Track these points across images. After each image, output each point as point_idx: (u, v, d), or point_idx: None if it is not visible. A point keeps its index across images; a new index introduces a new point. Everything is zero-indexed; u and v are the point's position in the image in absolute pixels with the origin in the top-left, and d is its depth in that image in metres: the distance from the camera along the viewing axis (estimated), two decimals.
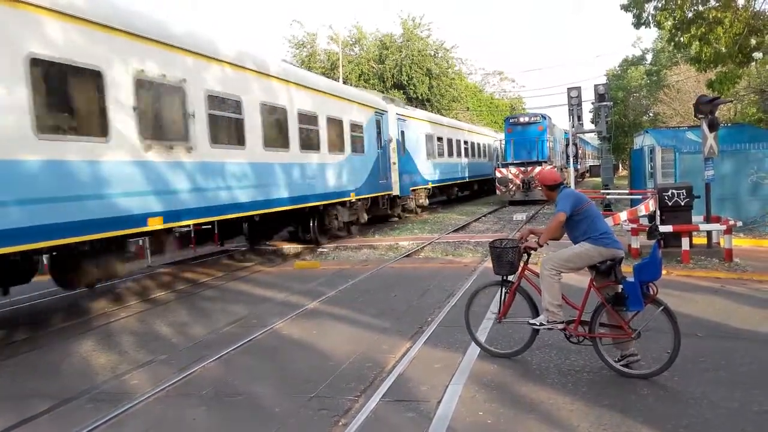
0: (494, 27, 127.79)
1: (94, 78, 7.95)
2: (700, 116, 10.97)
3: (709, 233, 11.28)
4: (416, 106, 29.33)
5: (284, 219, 14.12)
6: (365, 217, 18.12)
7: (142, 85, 8.78)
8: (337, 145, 15.66)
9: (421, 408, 4.74)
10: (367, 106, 18.21)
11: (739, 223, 12.13)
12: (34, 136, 7.00)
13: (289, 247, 15.21)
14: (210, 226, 11.02)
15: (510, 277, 5.81)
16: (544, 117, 29.73)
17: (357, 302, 8.72)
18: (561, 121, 44.31)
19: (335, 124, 15.62)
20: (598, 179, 32.14)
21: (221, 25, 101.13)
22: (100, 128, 8.04)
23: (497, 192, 28.94)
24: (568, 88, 18.96)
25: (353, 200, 16.68)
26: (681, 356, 5.03)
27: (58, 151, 7.36)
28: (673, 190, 10.91)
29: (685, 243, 10.47)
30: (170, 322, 8.14)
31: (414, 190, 22.94)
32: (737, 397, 4.66)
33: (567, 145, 21.38)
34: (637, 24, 14.78)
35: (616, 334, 5.27)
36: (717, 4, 13.65)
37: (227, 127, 10.99)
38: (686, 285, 8.69)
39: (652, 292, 5.07)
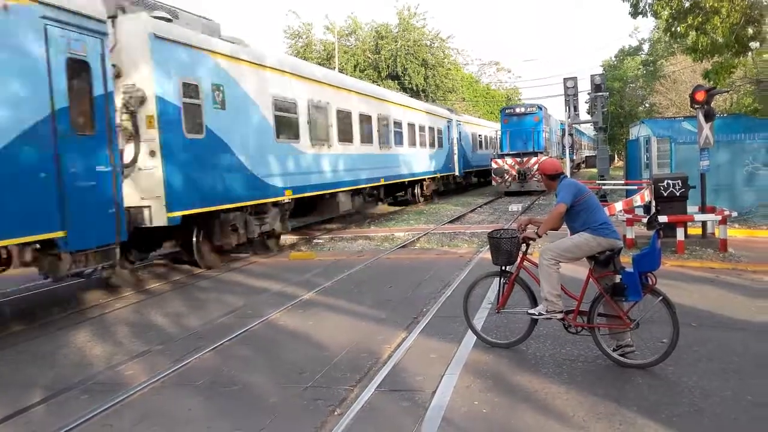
0: (490, 17, 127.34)
1: (294, 106, 13.78)
2: (695, 106, 10.96)
3: (704, 223, 11.32)
4: (411, 96, 29.83)
5: (396, 188, 22.90)
6: (441, 187, 27.81)
7: (310, 107, 14.50)
8: (430, 143, 25.44)
9: (416, 398, 4.75)
10: (443, 117, 28.26)
11: (734, 214, 12.17)
12: (274, 140, 12.87)
13: (285, 238, 15.19)
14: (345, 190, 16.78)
15: (508, 268, 5.81)
16: (540, 108, 29.70)
17: (352, 293, 8.73)
18: (557, 111, 44.30)
19: (431, 131, 25.80)
20: (594, 170, 32.20)
21: (217, 15, 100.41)
22: (295, 134, 13.90)
23: (493, 183, 28.96)
24: (564, 79, 19.00)
25: (437, 177, 26.53)
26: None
27: (285, 147, 13.47)
28: (669, 181, 10.92)
29: (680, 233, 10.50)
30: (166, 313, 8.14)
31: (467, 172, 32.44)
32: (730, 387, 4.68)
33: (563, 136, 21.40)
34: (634, 13, 14.77)
35: (614, 324, 5.28)
36: None
37: (346, 130, 16.73)
38: (681, 275, 8.72)
39: (650, 283, 5.08)
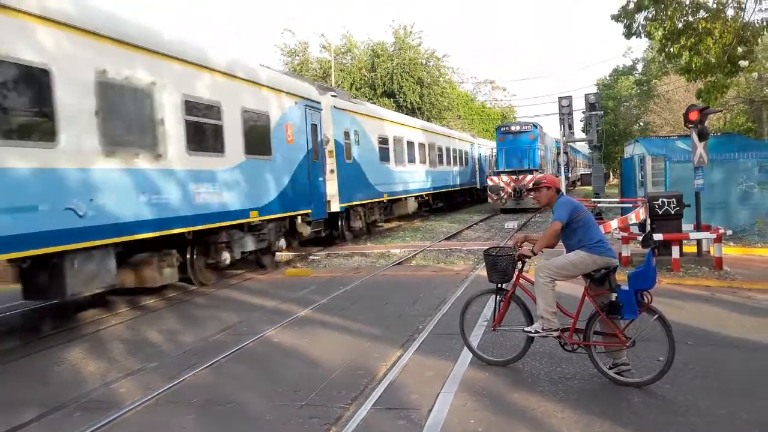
0: (486, 36, 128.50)
1: (387, 140, 20.89)
2: (689, 126, 11.04)
3: (699, 242, 11.35)
4: (407, 114, 30.37)
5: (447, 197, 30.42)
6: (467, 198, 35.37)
7: (395, 140, 21.47)
8: (460, 162, 32.92)
9: (412, 416, 4.73)
10: (467, 141, 35.28)
11: (729, 232, 12.20)
12: (378, 162, 19.26)
13: (280, 254, 15.17)
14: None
15: (504, 285, 5.82)
16: (535, 126, 29.87)
17: (348, 310, 8.71)
18: (552, 129, 44.49)
19: (461, 152, 33.10)
20: (589, 188, 32.29)
21: (212, 33, 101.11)
22: (388, 158, 21.03)
23: (489, 200, 29.03)
24: (559, 98, 19.09)
25: (460, 189, 32.54)
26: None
27: (384, 167, 20.59)
28: (664, 199, 10.97)
29: (675, 251, 10.53)
30: (160, 330, 8.10)
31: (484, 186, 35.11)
32: (726, 405, 4.68)
33: (558, 154, 21.49)
34: (628, 34, 14.87)
35: (610, 342, 5.28)
36: (707, 15, 13.77)
37: (411, 154, 24.01)
38: (676, 293, 8.73)
39: (646, 301, 5.08)
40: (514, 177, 27.78)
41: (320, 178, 15.08)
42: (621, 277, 5.41)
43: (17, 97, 7.03)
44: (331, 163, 16.08)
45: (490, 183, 28.45)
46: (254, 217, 11.85)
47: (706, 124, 11.14)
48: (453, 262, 13.07)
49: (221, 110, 10.90)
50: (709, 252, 11.24)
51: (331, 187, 15.99)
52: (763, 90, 29.09)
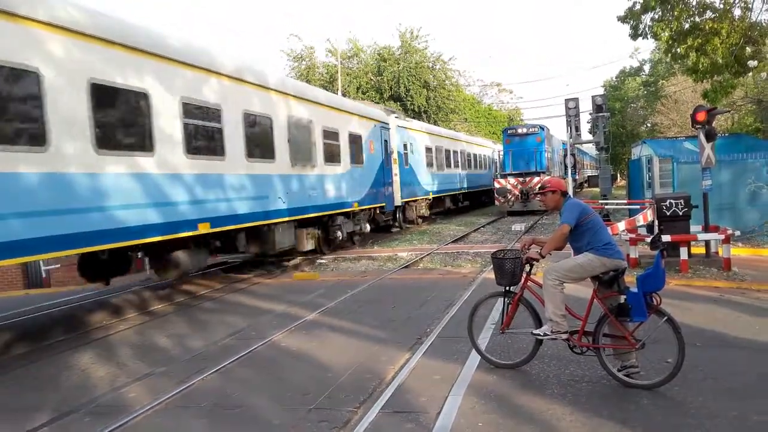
0: (492, 38, 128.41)
1: (432, 149, 25.99)
2: (697, 126, 11.01)
3: (707, 243, 11.30)
4: (413, 118, 30.59)
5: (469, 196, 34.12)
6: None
7: (436, 149, 26.43)
8: (483, 166, 37.30)
9: (420, 419, 4.73)
10: (488, 147, 39.33)
11: (737, 233, 12.15)
12: (426, 168, 25.02)
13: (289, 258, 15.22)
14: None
15: (512, 288, 5.81)
16: (542, 128, 29.82)
17: (356, 313, 8.72)
18: (559, 131, 44.45)
19: (484, 158, 37.60)
20: (597, 189, 32.18)
21: (218, 38, 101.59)
22: (431, 164, 26.07)
23: (496, 203, 29.00)
24: (565, 99, 19.05)
25: (484, 189, 35.69)
26: None
27: (429, 171, 25.52)
28: (671, 200, 10.93)
29: (683, 252, 10.49)
30: (169, 335, 8.13)
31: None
32: (736, 407, 4.65)
33: (565, 156, 21.43)
34: (635, 35, 14.87)
35: (620, 344, 5.26)
36: (714, 15, 13.74)
37: (448, 159, 28.73)
38: (685, 294, 8.70)
39: (655, 303, 5.07)
40: (521, 179, 27.74)
41: (390, 180, 19.82)
42: (630, 279, 5.39)
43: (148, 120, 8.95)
44: (394, 168, 20.50)
45: (497, 185, 28.43)
46: (356, 208, 16.56)
47: (713, 125, 11.10)
48: (460, 265, 13.06)
49: (338, 134, 15.69)
50: (717, 253, 11.18)
51: (395, 187, 20.55)
52: None
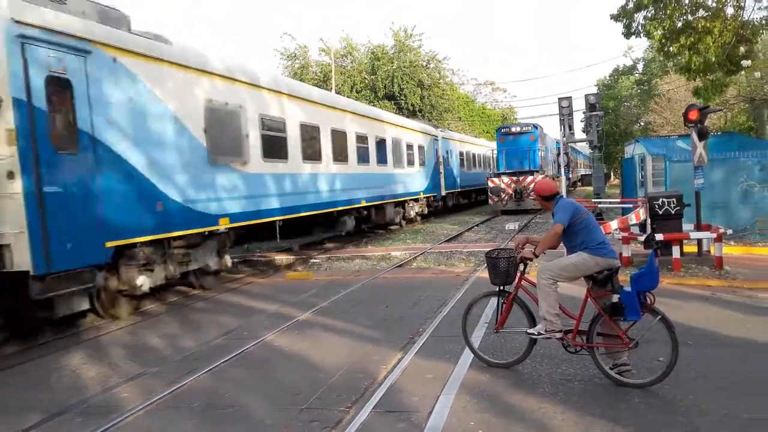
0: (486, 37, 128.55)
1: (461, 153, 33.69)
2: (689, 125, 11.03)
3: (699, 241, 11.34)
4: (407, 117, 30.83)
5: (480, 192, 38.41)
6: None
7: (464, 154, 34.24)
8: (480, 166, 40.03)
9: (412, 419, 4.73)
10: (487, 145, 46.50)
11: (730, 231, 12.19)
12: (459, 169, 33.01)
13: (281, 258, 15.19)
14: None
15: (506, 287, 5.81)
16: (535, 127, 29.85)
17: (349, 313, 8.71)
18: (552, 130, 44.59)
19: (486, 158, 40.34)
20: (590, 188, 32.29)
21: (212, 37, 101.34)
22: (462, 165, 33.75)
23: (489, 201, 29.03)
24: (559, 98, 19.00)
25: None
26: None
27: (460, 171, 33.33)
28: (664, 199, 10.96)
29: (675, 251, 10.52)
30: (161, 335, 8.10)
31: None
32: (727, 405, 4.67)
33: (558, 155, 21.49)
34: (627, 34, 14.88)
35: (613, 343, 5.27)
36: (706, 14, 13.77)
37: (470, 161, 35.75)
38: (677, 293, 8.73)
39: (649, 302, 5.07)
40: (514, 178, 27.77)
41: (438, 177, 27.43)
42: (623, 278, 5.39)
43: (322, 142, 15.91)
44: (441, 169, 27.76)
45: (490, 184, 28.45)
46: (421, 195, 24.73)
47: (706, 124, 11.12)
48: (454, 264, 13.07)
49: (413, 146, 23.88)
50: (709, 251, 11.23)
51: (442, 182, 27.97)
52: (763, 88, 29.03)
